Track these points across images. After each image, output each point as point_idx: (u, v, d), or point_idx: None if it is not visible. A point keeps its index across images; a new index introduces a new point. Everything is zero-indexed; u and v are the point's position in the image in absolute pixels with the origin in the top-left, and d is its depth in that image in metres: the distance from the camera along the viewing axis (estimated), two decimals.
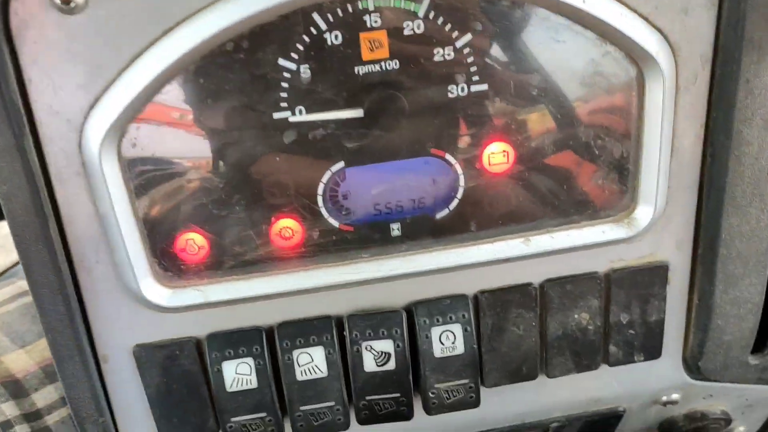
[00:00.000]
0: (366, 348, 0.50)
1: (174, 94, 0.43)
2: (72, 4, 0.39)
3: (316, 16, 0.42)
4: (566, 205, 0.49)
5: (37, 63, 0.40)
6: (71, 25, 0.40)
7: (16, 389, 0.70)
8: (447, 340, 0.51)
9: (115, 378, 0.51)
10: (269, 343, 0.50)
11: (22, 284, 0.84)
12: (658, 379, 0.59)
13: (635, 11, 0.43)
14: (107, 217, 0.44)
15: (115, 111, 0.41)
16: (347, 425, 0.53)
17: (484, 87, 0.45)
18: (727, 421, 0.64)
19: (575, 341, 0.54)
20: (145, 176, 0.44)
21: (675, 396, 0.60)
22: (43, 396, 0.72)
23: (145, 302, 0.47)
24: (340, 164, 0.46)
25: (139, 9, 0.40)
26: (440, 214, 0.49)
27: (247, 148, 0.45)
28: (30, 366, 0.73)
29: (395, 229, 0.49)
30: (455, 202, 0.49)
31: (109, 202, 0.43)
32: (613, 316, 0.53)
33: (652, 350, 0.55)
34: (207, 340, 0.50)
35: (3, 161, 0.41)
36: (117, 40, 0.40)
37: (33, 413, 0.70)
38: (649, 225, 0.49)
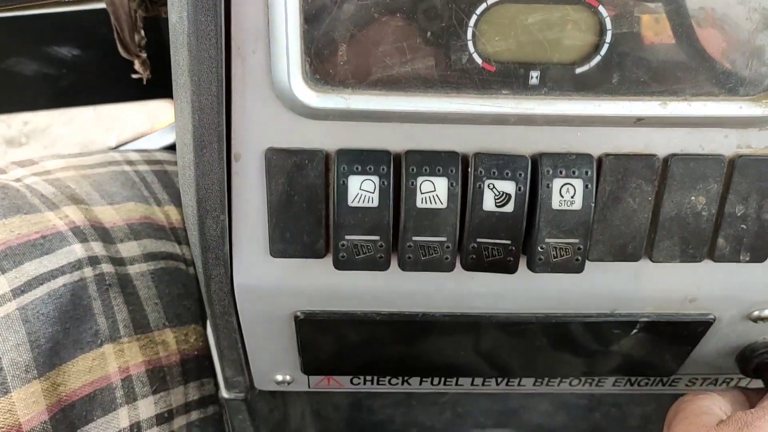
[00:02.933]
0: (488, 186, 0.51)
1: None
2: None
3: None
4: (708, 75, 0.50)
5: None
6: None
7: (104, 234, 0.72)
8: (567, 193, 0.52)
9: (241, 179, 0.52)
10: (395, 169, 0.51)
11: (114, 155, 0.87)
12: (756, 289, 0.59)
13: None
14: (276, 3, 0.46)
15: None
16: (452, 267, 0.53)
17: None
18: None
19: (686, 226, 0.54)
20: None
21: (767, 312, 0.60)
22: (127, 248, 0.74)
23: (291, 101, 0.49)
24: None
25: None
26: (581, 69, 0.50)
27: None
28: (117, 220, 0.75)
29: (534, 77, 0.50)
30: (598, 58, 0.49)
31: None
32: (729, 205, 0.54)
33: (759, 252, 0.55)
34: (337, 153, 0.51)
35: None
36: None
37: (118, 259, 0.72)
38: None
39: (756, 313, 0.60)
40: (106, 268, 0.70)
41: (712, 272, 0.57)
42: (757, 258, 0.56)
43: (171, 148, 1.14)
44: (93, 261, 0.68)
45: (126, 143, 1.20)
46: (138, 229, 0.76)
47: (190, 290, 0.78)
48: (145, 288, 0.73)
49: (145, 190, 0.82)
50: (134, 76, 0.88)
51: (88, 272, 0.67)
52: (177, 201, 0.82)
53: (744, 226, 0.54)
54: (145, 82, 0.89)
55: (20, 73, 0.99)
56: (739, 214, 0.54)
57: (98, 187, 0.78)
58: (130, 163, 0.86)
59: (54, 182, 0.76)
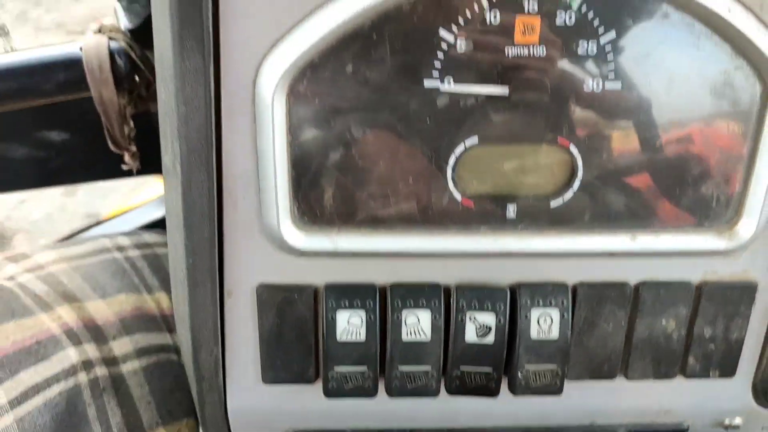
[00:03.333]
0: (470, 318, 0.54)
1: (347, 46, 0.47)
2: None
3: None
4: (675, 209, 0.53)
5: None
6: None
7: (97, 334, 0.73)
8: (544, 323, 0.54)
9: (234, 313, 0.54)
10: (381, 302, 0.54)
11: (105, 242, 0.88)
12: (726, 400, 0.61)
13: None
14: (265, 154, 0.48)
15: (293, 54, 0.45)
16: (437, 392, 0.56)
17: (618, 86, 0.49)
18: None
19: (658, 347, 0.57)
20: (305, 120, 0.49)
21: (738, 420, 0.63)
22: (120, 345, 0.75)
23: (280, 242, 0.51)
24: (474, 140, 0.50)
25: None
26: (556, 202, 0.53)
27: (395, 109, 0.49)
28: (110, 315, 0.76)
29: (511, 211, 0.53)
30: (571, 193, 0.52)
31: (271, 138, 0.47)
32: (697, 327, 0.56)
33: (728, 368, 0.58)
34: (325, 289, 0.53)
35: (189, 83, 0.45)
36: None
37: (111, 359, 0.73)
38: (749, 241, 0.53)
39: (727, 421, 0.63)
40: (100, 371, 0.71)
41: (685, 387, 0.60)
42: (726, 374, 0.59)
43: (157, 224, 1.16)
44: (87, 365, 0.69)
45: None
46: (130, 323, 0.78)
47: (182, 382, 0.79)
48: (137, 387, 0.74)
49: (136, 277, 0.83)
50: (124, 167, 0.90)
51: (82, 377, 0.68)
52: (168, 286, 0.84)
53: (713, 346, 0.57)
54: (135, 173, 0.91)
55: (10, 158, 1.00)
56: (707, 336, 0.57)
57: (90, 279, 0.80)
58: (120, 249, 0.87)
59: (46, 278, 0.77)
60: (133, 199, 1.31)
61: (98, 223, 1.21)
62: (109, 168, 1.07)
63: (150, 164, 0.89)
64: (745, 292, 0.56)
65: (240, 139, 0.49)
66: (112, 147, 0.85)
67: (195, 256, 0.50)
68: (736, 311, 0.56)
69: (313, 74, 0.47)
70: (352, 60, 0.47)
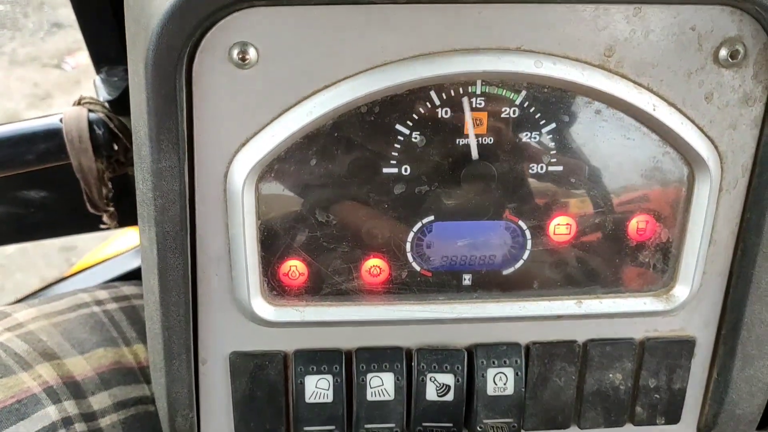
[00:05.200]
0: (430, 379, 0.58)
1: (311, 143, 0.51)
2: (246, 61, 0.48)
3: (433, 94, 0.51)
4: (616, 276, 0.58)
5: (206, 103, 0.49)
6: (240, 78, 0.49)
7: (76, 390, 0.76)
8: (500, 381, 0.59)
9: (208, 380, 0.58)
10: (346, 365, 0.58)
11: (83, 297, 0.91)
12: None
13: (693, 122, 0.52)
14: (236, 238, 0.52)
15: (261, 152, 0.50)
16: None
17: (560, 168, 0.54)
18: None
19: (607, 398, 0.61)
20: (273, 207, 0.53)
21: None
22: (98, 400, 0.78)
23: (251, 315, 0.55)
24: (431, 218, 0.55)
25: (297, 72, 0.49)
26: (507, 271, 0.57)
27: (358, 195, 0.54)
28: (88, 371, 0.79)
29: (467, 279, 0.57)
30: (521, 263, 0.57)
31: (242, 225, 0.52)
32: (642, 379, 0.61)
33: (673, 415, 0.63)
34: (294, 355, 0.57)
35: (165, 179, 0.50)
36: (274, 94, 0.49)
37: (89, 414, 0.76)
38: (684, 302, 0.58)
39: None
40: (79, 427, 0.73)
41: None
42: (671, 420, 0.63)
43: (134, 274, 1.18)
44: (66, 422, 0.72)
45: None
46: (108, 377, 0.80)
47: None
48: None
49: (114, 330, 0.86)
50: (102, 227, 0.93)
51: None
52: (146, 337, 0.87)
53: (657, 396, 0.62)
54: (114, 228, 0.95)
55: None
56: (652, 386, 0.61)
57: (68, 335, 0.82)
58: (99, 302, 0.90)
59: (26, 337, 0.80)
60: (110, 247, 1.34)
61: (77, 273, 1.23)
62: (87, 222, 1.10)
63: (129, 218, 0.92)
64: (685, 346, 0.60)
65: (213, 225, 0.53)
66: (90, 209, 0.88)
67: (171, 331, 0.54)
68: (677, 364, 0.61)
69: (280, 167, 0.52)
70: (315, 154, 0.52)
